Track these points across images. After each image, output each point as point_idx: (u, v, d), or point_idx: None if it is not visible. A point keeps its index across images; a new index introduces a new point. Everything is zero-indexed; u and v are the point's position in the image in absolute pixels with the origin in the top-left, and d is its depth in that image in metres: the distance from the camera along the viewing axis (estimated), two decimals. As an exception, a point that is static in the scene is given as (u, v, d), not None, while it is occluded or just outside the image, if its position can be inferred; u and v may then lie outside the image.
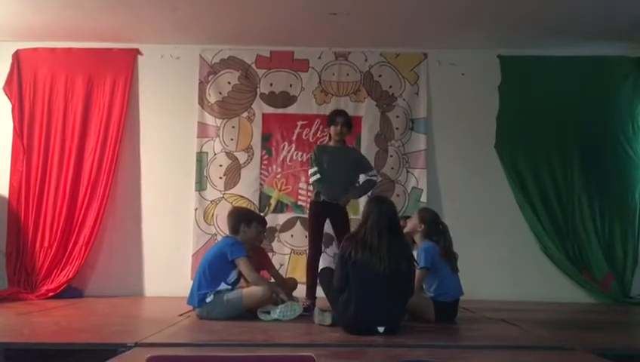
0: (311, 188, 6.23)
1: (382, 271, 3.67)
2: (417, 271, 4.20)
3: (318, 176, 4.91)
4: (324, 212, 4.96)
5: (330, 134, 5.12)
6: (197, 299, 4.39)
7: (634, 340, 4.28)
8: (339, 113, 5.12)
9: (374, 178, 5.22)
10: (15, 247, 6.25)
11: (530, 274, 6.28)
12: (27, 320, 4.42)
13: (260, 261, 5.11)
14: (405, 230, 4.57)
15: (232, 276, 4.49)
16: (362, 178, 5.20)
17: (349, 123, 5.06)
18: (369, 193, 5.54)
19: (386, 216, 3.87)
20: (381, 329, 3.65)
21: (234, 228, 4.67)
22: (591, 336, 3.92)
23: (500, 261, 6.31)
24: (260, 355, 2.21)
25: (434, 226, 4.56)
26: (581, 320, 5.09)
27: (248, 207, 6.39)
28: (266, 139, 6.62)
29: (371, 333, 3.61)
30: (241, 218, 4.73)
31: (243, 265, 4.42)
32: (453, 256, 4.55)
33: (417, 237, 4.60)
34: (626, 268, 6.36)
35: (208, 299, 4.36)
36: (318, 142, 6.38)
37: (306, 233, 6.30)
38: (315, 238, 4.97)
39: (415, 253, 4.40)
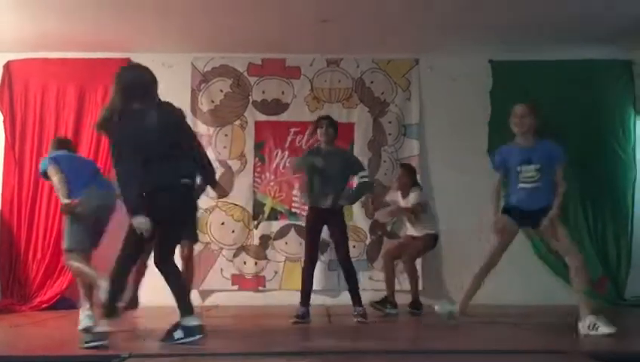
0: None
1: None
2: None
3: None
4: (320, 218, 4.95)
5: (319, 140, 5.16)
6: None
7: (629, 343, 4.29)
8: (321, 117, 5.28)
9: (366, 179, 5.20)
10: (8, 259, 6.21)
11: (524, 277, 6.27)
12: (21, 333, 4.40)
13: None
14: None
15: None
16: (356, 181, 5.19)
17: (333, 124, 5.11)
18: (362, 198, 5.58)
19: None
20: None
21: None
22: (585, 339, 3.93)
23: (494, 265, 6.29)
24: None
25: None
26: (576, 322, 5.09)
27: (242, 214, 6.40)
28: (258, 146, 6.62)
29: None
30: None
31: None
32: None
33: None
34: (620, 269, 6.38)
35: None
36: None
37: (301, 240, 6.32)
38: (309, 246, 4.95)
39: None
